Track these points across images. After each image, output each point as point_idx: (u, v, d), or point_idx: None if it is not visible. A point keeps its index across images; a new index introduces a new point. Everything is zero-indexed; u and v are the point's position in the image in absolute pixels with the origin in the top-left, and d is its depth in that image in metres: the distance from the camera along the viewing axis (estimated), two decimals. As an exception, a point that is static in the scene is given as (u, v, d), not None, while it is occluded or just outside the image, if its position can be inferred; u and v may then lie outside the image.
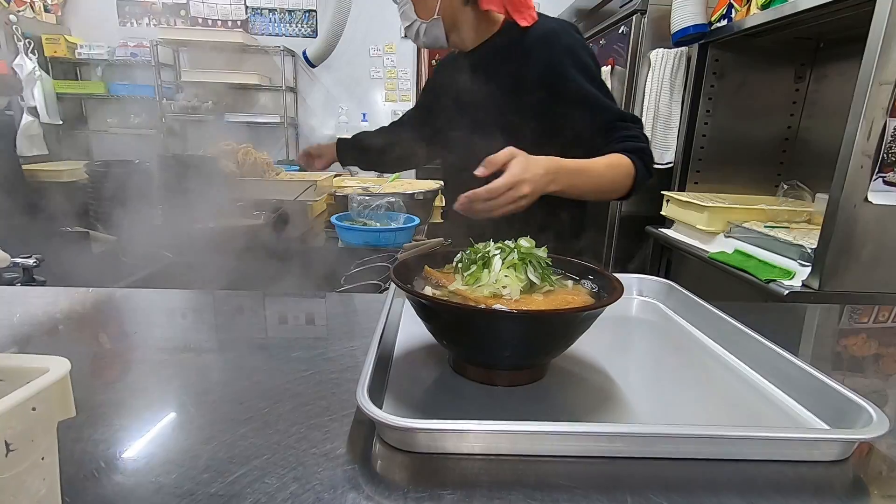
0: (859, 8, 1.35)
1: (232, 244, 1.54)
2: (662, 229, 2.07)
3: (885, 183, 1.31)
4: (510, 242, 0.54)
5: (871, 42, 1.24)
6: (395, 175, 2.73)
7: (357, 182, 2.59)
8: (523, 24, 1.11)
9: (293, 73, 4.21)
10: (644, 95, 2.23)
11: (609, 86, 2.41)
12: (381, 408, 0.39)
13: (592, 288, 0.56)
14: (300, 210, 1.98)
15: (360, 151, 1.54)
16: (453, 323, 0.48)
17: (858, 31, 1.30)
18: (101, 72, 4.02)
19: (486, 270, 0.51)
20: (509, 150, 0.82)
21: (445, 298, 0.49)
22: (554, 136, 1.04)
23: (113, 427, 0.41)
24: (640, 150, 1.02)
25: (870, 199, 1.30)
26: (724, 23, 1.89)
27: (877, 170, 1.29)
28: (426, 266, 0.57)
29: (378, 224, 1.93)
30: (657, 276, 2.20)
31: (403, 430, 0.37)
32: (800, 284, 1.38)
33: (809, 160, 2.02)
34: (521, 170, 0.80)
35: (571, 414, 0.47)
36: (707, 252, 1.73)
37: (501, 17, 1.17)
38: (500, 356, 0.49)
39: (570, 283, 0.58)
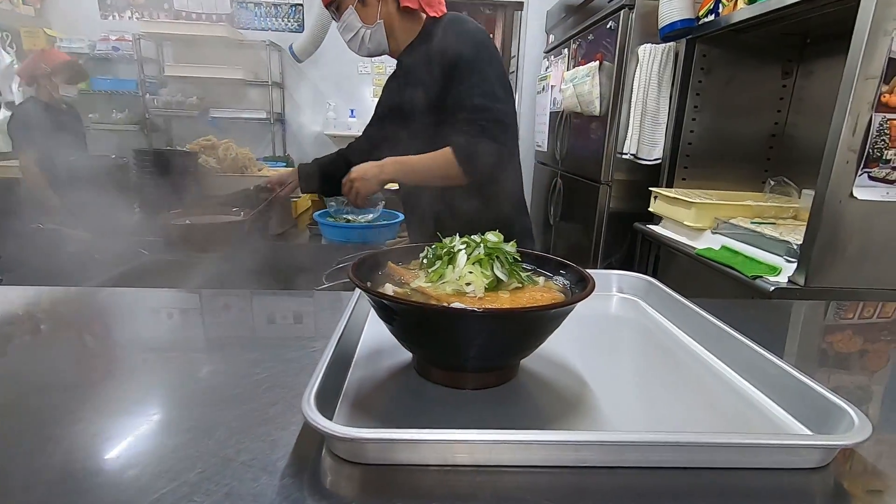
0: (845, 2, 1.34)
1: (210, 241, 1.50)
2: (650, 226, 2.05)
3: (871, 178, 1.29)
4: (477, 237, 0.51)
5: (856, 35, 1.23)
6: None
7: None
8: (433, 14, 1.22)
9: (280, 68, 4.15)
10: (632, 91, 2.22)
11: (597, 81, 2.41)
12: (333, 415, 0.36)
13: (565, 284, 0.53)
14: (282, 206, 1.94)
15: (321, 179, 1.51)
16: (411, 323, 0.45)
17: (844, 26, 1.29)
18: (82, 66, 3.93)
19: (450, 266, 0.48)
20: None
21: (400, 297, 0.46)
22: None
23: (42, 436, 0.38)
24: (459, 144, 1.12)
25: (855, 194, 1.29)
26: (711, 17, 1.87)
27: (862, 165, 1.28)
28: (389, 262, 0.54)
29: (361, 220, 1.90)
30: (645, 272, 2.18)
31: (350, 441, 0.34)
32: (786, 281, 1.37)
33: (796, 156, 2.01)
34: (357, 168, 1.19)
35: (540, 419, 0.45)
36: (694, 248, 1.72)
37: (423, 16, 1.25)
38: (462, 358, 0.46)
39: (541, 279, 0.55)
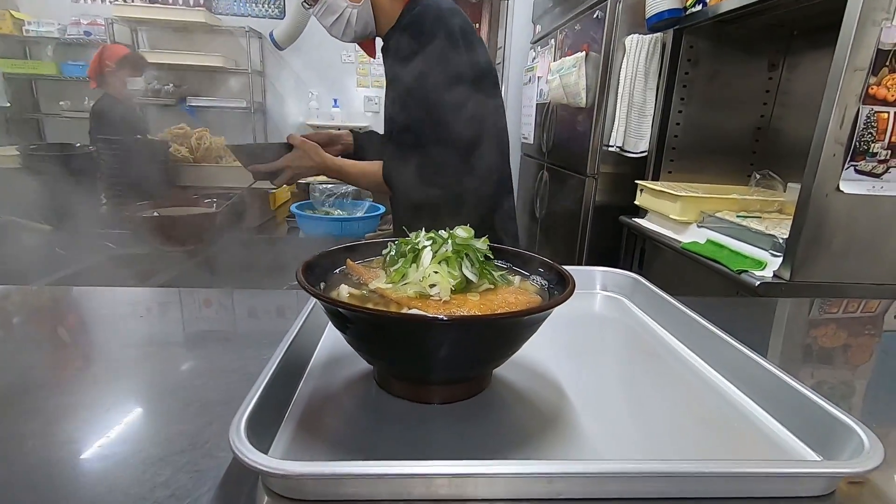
0: (833, -8, 1.31)
1: (181, 235, 1.43)
2: (636, 219, 2.03)
3: (857, 172, 1.28)
4: (444, 232, 0.46)
5: (845, 26, 1.20)
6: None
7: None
8: None
9: (260, 55, 4.04)
10: (619, 83, 2.18)
11: (583, 72, 2.36)
12: (273, 440, 0.31)
13: (542, 284, 0.49)
14: (259, 198, 1.88)
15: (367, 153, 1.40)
16: (364, 333, 0.40)
17: (831, 18, 1.26)
18: (52, 51, 3.77)
19: (413, 265, 0.43)
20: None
21: (349, 302, 0.41)
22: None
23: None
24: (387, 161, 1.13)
25: (841, 188, 1.27)
26: (699, 7, 1.84)
27: (849, 158, 1.26)
28: (348, 260, 0.49)
29: (342, 213, 1.84)
30: (630, 266, 2.14)
31: (286, 477, 0.29)
32: (771, 275, 1.35)
33: (781, 150, 2.00)
34: (285, 165, 1.16)
35: (514, 437, 0.40)
36: (680, 242, 1.70)
37: None
38: (425, 370, 0.42)
39: (516, 279, 0.50)
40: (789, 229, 1.34)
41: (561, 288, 0.44)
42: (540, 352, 0.50)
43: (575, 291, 0.44)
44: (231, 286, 1.25)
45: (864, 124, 1.23)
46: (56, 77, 3.74)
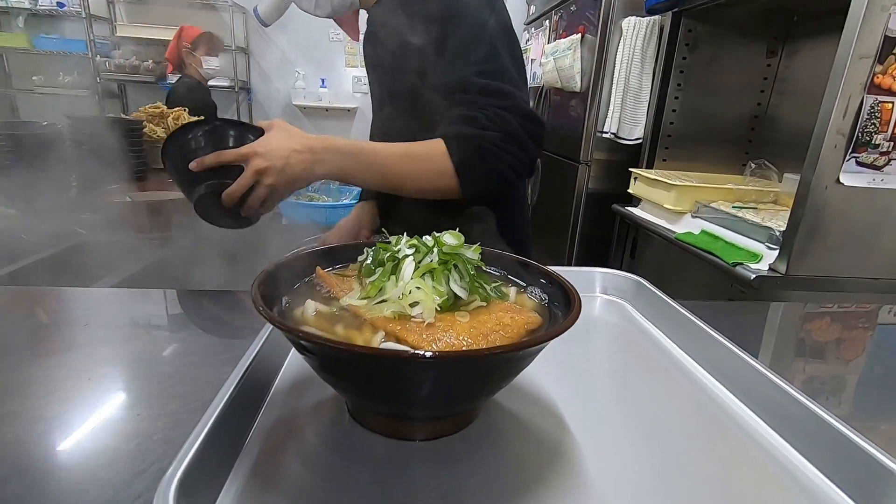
0: (838, -25, 1.26)
1: (155, 221, 1.36)
2: (629, 208, 1.99)
3: (858, 164, 1.24)
4: (429, 239, 0.39)
5: (852, 11, 1.16)
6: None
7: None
8: None
9: (244, 32, 3.89)
10: (615, 66, 2.12)
11: (578, 55, 2.30)
12: (219, 492, 0.26)
13: (542, 299, 0.43)
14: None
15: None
16: (329, 366, 0.34)
17: (831, 3, 1.22)
18: (23, 22, 3.59)
19: (393, 277, 0.37)
20: (267, 124, 0.68)
21: (313, 320, 0.35)
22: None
23: None
24: (462, 137, 0.71)
25: (842, 180, 1.24)
26: (699, -11, 1.78)
27: (851, 149, 1.22)
28: (318, 267, 0.43)
29: (328, 199, 1.78)
30: (622, 256, 2.10)
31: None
32: (767, 268, 1.33)
33: (778, 139, 1.97)
34: (260, 146, 0.64)
35: (507, 481, 0.34)
36: (674, 232, 1.67)
37: None
38: (403, 409, 0.36)
39: (511, 291, 0.44)
40: (786, 221, 1.31)
41: (563, 305, 0.38)
42: (535, 368, 0.43)
43: (558, 274, 0.39)
44: (206, 277, 1.19)
45: (868, 115, 1.19)
46: (28, 50, 3.56)
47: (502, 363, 0.33)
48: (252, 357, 0.37)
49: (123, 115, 1.84)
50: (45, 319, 0.56)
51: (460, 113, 0.72)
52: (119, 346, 0.50)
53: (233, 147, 0.65)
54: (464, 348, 0.32)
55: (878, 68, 1.17)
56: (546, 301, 0.42)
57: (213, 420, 0.29)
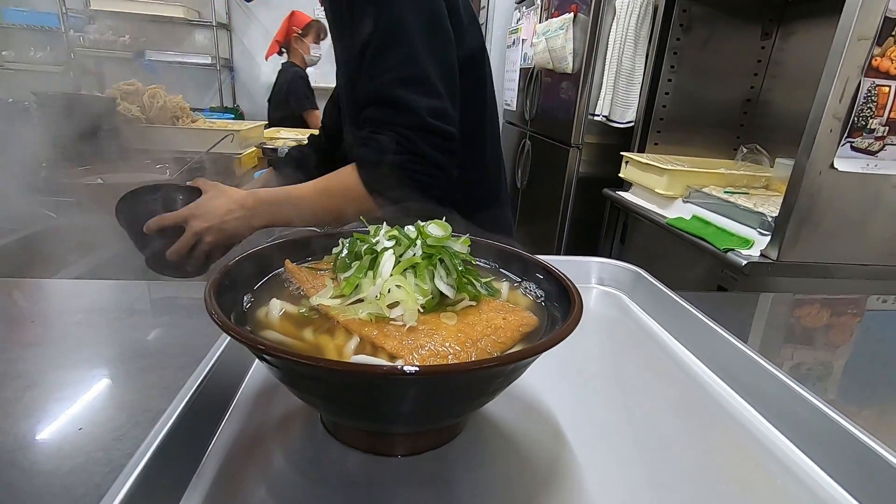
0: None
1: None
2: (620, 192, 1.97)
3: (853, 149, 1.22)
4: (412, 228, 0.35)
5: (854, -12, 1.12)
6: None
7: (293, 134, 2.32)
8: None
9: (226, 7, 3.75)
10: (607, 47, 2.07)
11: (571, 35, 2.24)
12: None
13: (537, 296, 0.39)
14: (222, 164, 1.74)
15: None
16: (295, 380, 0.30)
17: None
18: (-10, -6, 3.42)
19: (370, 273, 0.33)
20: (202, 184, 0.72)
21: (279, 323, 0.31)
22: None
23: None
24: (369, 162, 0.71)
25: (836, 165, 1.22)
26: (695, -33, 1.73)
27: (846, 134, 1.20)
28: (287, 260, 0.38)
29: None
30: (612, 240, 2.08)
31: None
32: (758, 254, 1.32)
33: (770, 123, 1.95)
34: (197, 208, 0.69)
35: (495, 503, 0.30)
36: (665, 217, 1.65)
37: None
38: (381, 424, 0.32)
39: (504, 286, 0.39)
40: (778, 207, 1.29)
41: (561, 303, 0.34)
42: (528, 373, 0.38)
43: (555, 269, 0.36)
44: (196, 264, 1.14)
45: (865, 98, 1.17)
46: (-4, 24, 3.40)
47: (492, 377, 0.29)
48: (213, 361, 0.33)
49: (97, 93, 1.75)
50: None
51: (369, 134, 0.71)
52: (64, 346, 0.46)
53: (174, 209, 0.71)
54: (450, 357, 0.28)
55: (877, 50, 1.14)
56: (542, 299, 0.38)
57: (163, 436, 0.25)
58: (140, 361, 0.41)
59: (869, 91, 1.17)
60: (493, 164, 0.96)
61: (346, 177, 0.71)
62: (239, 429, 0.34)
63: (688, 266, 1.57)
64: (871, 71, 1.16)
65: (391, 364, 0.27)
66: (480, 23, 4.07)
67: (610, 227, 2.10)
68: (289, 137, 2.18)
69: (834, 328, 0.72)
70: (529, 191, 2.92)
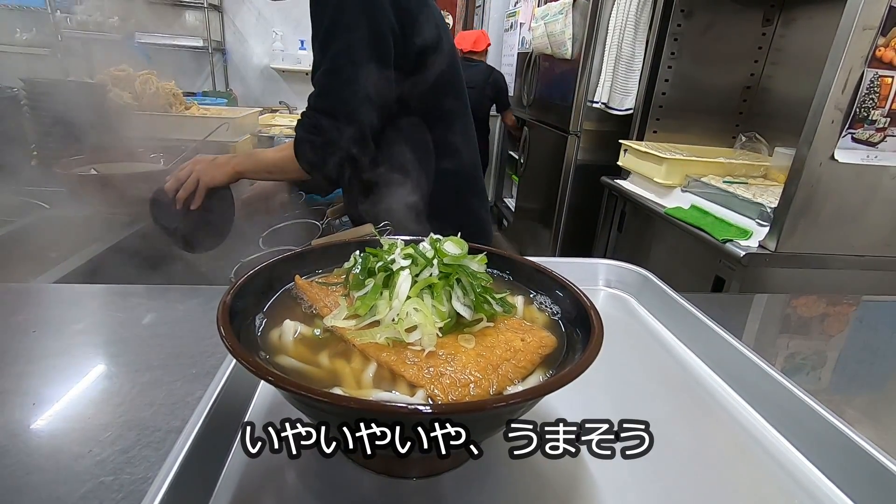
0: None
1: (124, 195, 1.28)
2: (618, 180, 1.96)
3: (854, 140, 1.22)
4: (427, 245, 0.34)
5: (859, -22, 1.10)
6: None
7: (288, 120, 2.29)
8: None
9: (216, -13, 3.66)
10: (607, 33, 2.04)
11: (570, 20, 2.20)
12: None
13: (554, 313, 0.38)
14: (217, 153, 1.71)
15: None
16: (311, 412, 0.28)
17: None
18: (-28, -28, 3.30)
19: (385, 294, 0.32)
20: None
21: (293, 347, 0.30)
22: None
23: None
24: (298, 141, 0.91)
25: (836, 156, 1.22)
26: (697, -49, 1.70)
27: (847, 125, 1.20)
28: (297, 276, 0.37)
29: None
30: (609, 230, 2.07)
31: None
32: (756, 245, 1.32)
33: (769, 110, 1.94)
34: (193, 161, 0.96)
35: None
36: (663, 207, 1.64)
37: None
38: (398, 452, 0.31)
39: (519, 301, 0.38)
40: (777, 197, 1.29)
41: (578, 322, 0.33)
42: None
43: (574, 286, 0.35)
44: (175, 258, 1.12)
45: (867, 89, 1.16)
46: (-22, 4, 3.29)
47: (514, 411, 0.29)
48: (222, 382, 0.33)
49: (87, 79, 1.71)
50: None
51: (302, 119, 0.92)
52: (68, 360, 0.44)
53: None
54: (471, 386, 0.28)
55: (881, 41, 1.13)
56: (558, 314, 0.38)
57: (179, 464, 0.25)
58: (146, 375, 0.40)
59: (872, 82, 1.16)
60: (465, 150, 1.07)
61: (288, 152, 0.93)
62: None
63: (685, 256, 1.58)
64: (875, 61, 1.15)
65: (413, 406, 0.26)
66: (477, 5, 3.97)
67: (608, 216, 2.10)
68: (284, 125, 2.15)
69: (832, 321, 0.72)
70: (527, 178, 2.90)
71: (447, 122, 1.02)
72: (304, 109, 0.92)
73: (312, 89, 0.93)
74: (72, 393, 0.39)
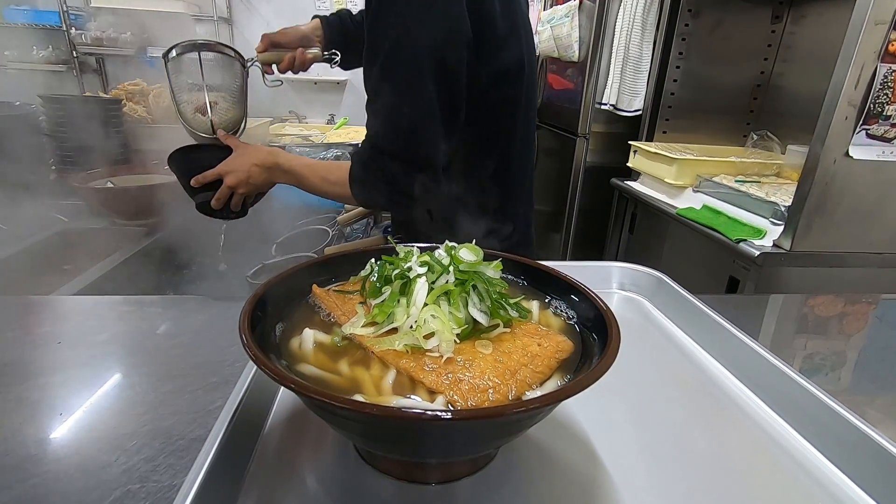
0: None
1: (139, 207, 1.30)
2: (628, 182, 1.95)
3: (868, 136, 1.20)
4: (443, 252, 0.34)
5: (870, -27, 1.09)
6: (341, 121, 2.49)
7: (298, 129, 2.31)
8: None
9: (226, 1, 3.71)
10: (614, 34, 2.04)
11: (576, 23, 2.20)
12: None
13: (570, 317, 0.38)
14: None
15: (348, 38, 1.08)
16: (334, 420, 0.29)
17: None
18: (-10, -7, 3.40)
19: (402, 301, 0.32)
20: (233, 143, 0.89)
21: (313, 354, 0.30)
22: None
23: None
24: (354, 178, 0.81)
25: (851, 153, 1.21)
26: (703, -50, 1.69)
27: (861, 121, 1.18)
28: (314, 286, 0.38)
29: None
30: (620, 231, 2.06)
31: None
32: (771, 244, 1.30)
33: (780, 108, 1.92)
34: (227, 166, 0.85)
35: None
36: (674, 207, 1.63)
37: None
38: (417, 458, 0.32)
39: (534, 305, 0.39)
40: (791, 196, 1.28)
41: (595, 327, 0.34)
42: None
43: (589, 291, 0.35)
44: (192, 270, 1.14)
45: (881, 84, 1.15)
46: (-3, 23, 3.38)
47: (533, 416, 0.29)
48: (243, 389, 0.33)
49: (101, 94, 1.74)
50: (14, 334, 0.51)
51: (359, 151, 0.82)
52: (93, 370, 0.46)
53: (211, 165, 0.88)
54: (490, 392, 0.28)
55: (894, 35, 1.12)
56: (574, 318, 0.38)
57: (204, 471, 0.25)
58: (169, 384, 0.41)
59: (885, 77, 1.14)
60: (519, 178, 1.02)
61: (342, 175, 0.82)
62: (272, 457, 0.34)
63: (699, 257, 1.56)
64: (888, 56, 1.13)
65: (433, 412, 0.25)
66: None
67: (618, 218, 2.09)
68: (294, 134, 2.17)
69: (850, 320, 0.71)
70: (537, 181, 2.90)
71: (510, 138, 0.93)
72: (366, 144, 0.80)
73: (358, 111, 0.87)
74: (96, 402, 0.40)
